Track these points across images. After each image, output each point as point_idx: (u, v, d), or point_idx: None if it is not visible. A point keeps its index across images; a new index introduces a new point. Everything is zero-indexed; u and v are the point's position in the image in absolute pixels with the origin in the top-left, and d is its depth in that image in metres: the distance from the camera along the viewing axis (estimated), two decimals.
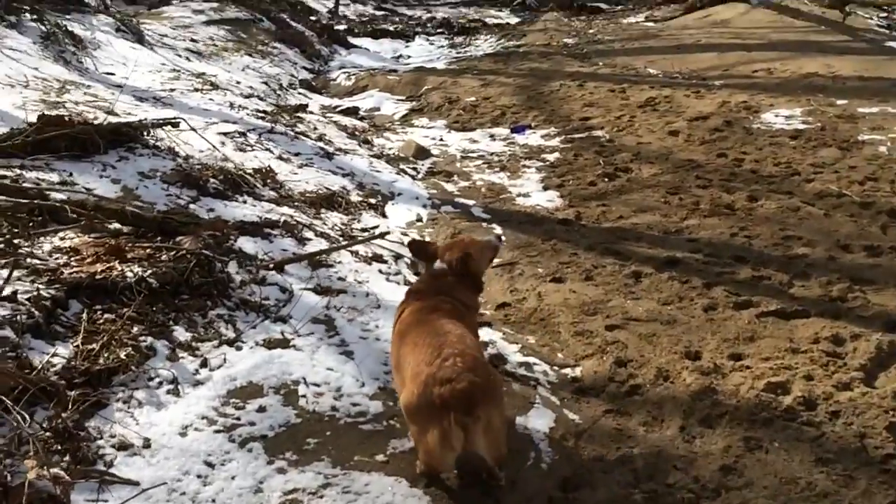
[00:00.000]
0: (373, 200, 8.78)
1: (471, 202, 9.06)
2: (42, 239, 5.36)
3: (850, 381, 4.91)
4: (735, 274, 6.62)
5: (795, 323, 5.74)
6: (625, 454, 4.37)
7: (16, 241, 5.14)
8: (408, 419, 3.86)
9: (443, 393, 3.56)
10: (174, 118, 7.85)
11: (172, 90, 12.07)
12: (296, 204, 7.58)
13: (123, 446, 3.82)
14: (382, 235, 6.97)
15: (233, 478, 3.77)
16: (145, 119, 7.54)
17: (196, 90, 12.54)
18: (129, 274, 4.94)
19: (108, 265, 4.97)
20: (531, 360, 5.43)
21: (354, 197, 8.70)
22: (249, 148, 9.10)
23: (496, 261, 7.06)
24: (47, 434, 3.71)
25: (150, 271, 5.02)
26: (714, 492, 4.05)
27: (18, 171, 6.14)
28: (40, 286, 4.59)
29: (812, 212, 7.93)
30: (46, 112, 7.44)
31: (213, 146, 7.82)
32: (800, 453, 4.31)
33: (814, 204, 8.13)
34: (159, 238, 5.57)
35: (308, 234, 6.88)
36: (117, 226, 5.72)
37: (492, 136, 12.19)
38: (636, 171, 9.78)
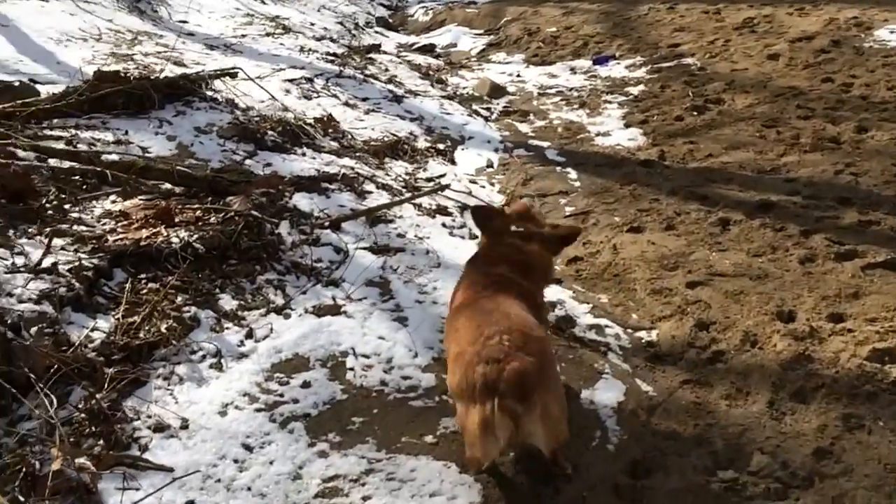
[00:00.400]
0: (441, 146, 8.36)
1: (545, 144, 8.51)
2: (94, 203, 5.23)
3: None
4: (839, 219, 5.90)
5: None
6: (703, 433, 3.92)
7: (65, 207, 5.02)
8: (454, 403, 3.52)
9: (488, 374, 3.14)
10: (232, 68, 7.60)
11: (244, 36, 11.89)
12: (358, 154, 7.25)
13: (160, 428, 3.65)
14: (443, 188, 6.56)
15: (271, 462, 3.55)
16: (202, 70, 7.31)
17: (268, 34, 12.33)
18: (175, 240, 4.74)
19: (153, 230, 4.79)
20: (602, 321, 4.98)
21: (422, 143, 8.30)
22: (315, 94, 8.81)
23: (569, 209, 6.60)
24: (82, 416, 3.57)
25: (196, 236, 4.81)
26: (805, 480, 3.56)
27: (74, 132, 6.03)
28: (83, 255, 4.45)
29: None
30: (105, 68, 7.30)
31: (272, 96, 7.54)
32: None
33: None
34: (209, 199, 5.36)
35: (369, 186, 6.55)
36: (169, 186, 5.54)
37: (572, 70, 11.50)
38: (729, 102, 8.97)
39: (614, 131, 8.73)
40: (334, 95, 8.93)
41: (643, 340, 4.80)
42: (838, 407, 3.95)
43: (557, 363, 4.09)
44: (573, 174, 7.57)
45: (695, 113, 8.74)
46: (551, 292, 5.33)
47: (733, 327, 4.70)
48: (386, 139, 7.93)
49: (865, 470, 3.57)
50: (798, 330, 4.57)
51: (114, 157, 5.53)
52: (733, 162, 7.31)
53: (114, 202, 5.26)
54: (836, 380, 4.13)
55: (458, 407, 3.40)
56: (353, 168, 6.77)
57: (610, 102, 9.73)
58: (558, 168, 7.76)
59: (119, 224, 4.89)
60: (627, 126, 8.79)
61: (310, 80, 9.26)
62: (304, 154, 6.80)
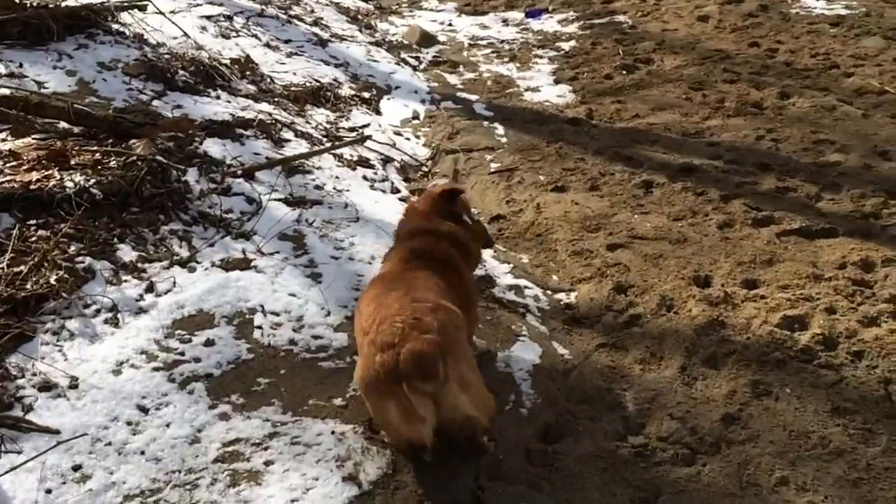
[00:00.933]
0: (366, 94, 8.07)
1: (474, 97, 8.32)
2: None
3: (877, 315, 4.34)
4: (757, 185, 5.96)
5: (820, 244, 5.12)
6: (616, 397, 3.90)
7: None
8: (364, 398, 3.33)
9: (386, 362, 2.97)
10: (142, 0, 7.07)
11: None
12: (277, 99, 6.91)
13: (46, 386, 3.40)
14: (364, 139, 6.33)
15: (168, 425, 3.35)
16: (108, 1, 6.79)
17: None
18: (70, 184, 4.40)
19: (45, 173, 4.43)
20: (522, 282, 4.91)
21: (346, 90, 7.99)
22: (234, 34, 8.34)
23: (494, 166, 6.47)
24: None
25: (93, 181, 4.48)
26: (713, 447, 3.58)
27: None
28: None
29: (849, 112, 7.14)
30: None
31: (185, 33, 7.08)
32: (814, 402, 3.80)
33: (852, 102, 7.33)
34: (110, 141, 4.99)
35: (287, 134, 6.26)
36: (67, 126, 5.14)
37: (504, 21, 11.25)
38: (658, 62, 8.93)
39: (544, 87, 8.60)
40: (254, 36, 8.48)
41: (562, 302, 4.75)
42: (748, 373, 3.98)
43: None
44: (500, 129, 7.42)
45: (624, 72, 8.67)
46: None
47: (651, 291, 4.69)
48: (308, 85, 7.59)
49: (771, 437, 3.61)
50: (713, 295, 4.58)
51: (4, 91, 5.08)
52: (659, 123, 7.29)
53: (3, 141, 4.84)
54: (746, 346, 4.16)
55: (372, 404, 3.21)
56: (270, 114, 6.44)
57: (541, 57, 9.57)
58: (486, 123, 7.60)
59: (7, 165, 4.50)
60: (557, 82, 8.67)
61: (229, 18, 8.76)
62: (218, 97, 6.42)
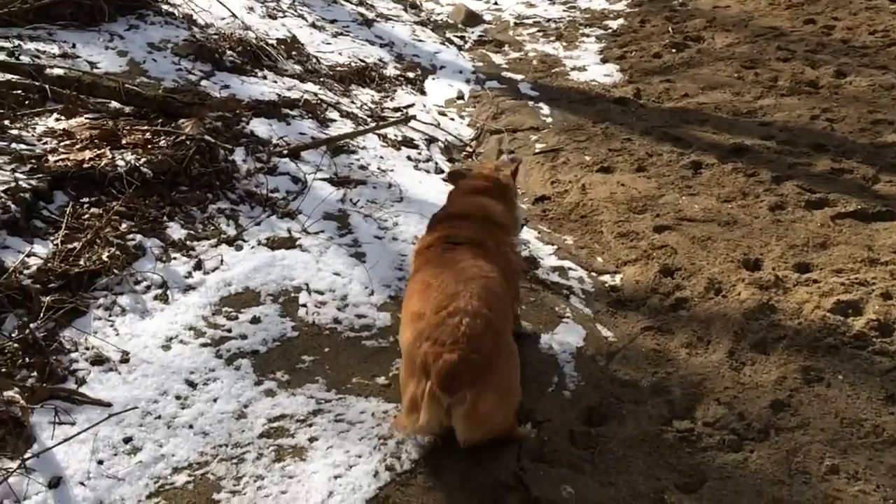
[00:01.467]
0: (411, 74, 8.04)
1: (519, 77, 8.24)
2: (35, 120, 4.92)
3: None
4: (811, 166, 5.79)
5: (877, 227, 4.97)
6: (661, 381, 3.85)
7: (4, 123, 4.71)
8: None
9: (429, 355, 2.96)
10: None
11: None
12: (322, 79, 6.93)
13: (99, 360, 3.48)
14: (408, 119, 6.31)
15: (215, 400, 3.41)
16: None
17: None
18: (121, 163, 4.47)
19: (98, 152, 4.52)
20: (567, 264, 4.86)
21: (391, 70, 7.98)
22: (280, 14, 8.37)
23: (539, 146, 6.41)
24: (14, 346, 3.37)
25: (144, 160, 4.55)
26: (761, 433, 3.50)
27: (16, 42, 5.63)
28: (20, 176, 4.18)
29: None
30: None
31: (233, 13, 7.13)
32: (868, 389, 3.70)
33: None
34: (160, 121, 5.06)
35: (332, 114, 6.28)
36: (118, 106, 5.23)
37: (551, 0, 11.10)
38: (709, 40, 8.74)
39: (590, 66, 8.48)
40: (300, 16, 8.51)
41: (607, 285, 4.70)
42: (798, 359, 3.89)
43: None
44: (545, 109, 7.35)
45: (673, 50, 8.51)
46: None
47: (698, 274, 4.61)
48: (353, 65, 7.60)
49: (822, 424, 3.52)
50: (763, 279, 4.48)
51: (58, 71, 5.18)
52: (709, 103, 7.13)
53: (57, 120, 4.94)
54: (798, 331, 4.06)
55: (403, 364, 3.22)
56: (316, 94, 6.47)
57: (588, 36, 9.45)
58: (531, 102, 7.53)
59: (61, 144, 4.60)
60: (604, 62, 8.55)
61: None
62: (264, 77, 6.47)
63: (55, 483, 2.91)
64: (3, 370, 3.28)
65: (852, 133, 6.25)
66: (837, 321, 4.09)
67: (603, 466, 3.33)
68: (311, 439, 3.28)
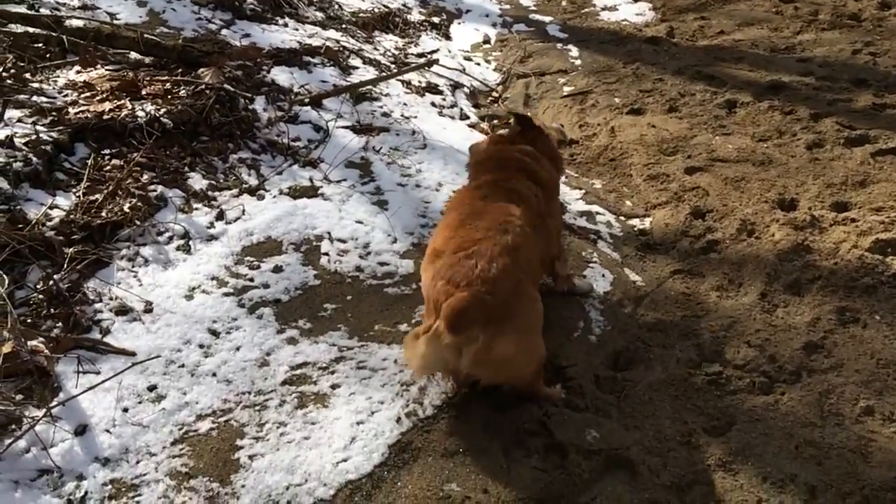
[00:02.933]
0: (436, 19, 7.87)
1: (547, 19, 8.02)
2: (56, 73, 4.90)
3: None
4: (852, 102, 5.56)
5: None
6: (690, 325, 3.76)
7: (24, 76, 4.70)
8: None
9: (441, 294, 2.91)
10: None
11: None
12: (345, 26, 6.81)
13: (123, 311, 3.49)
14: (431, 64, 6.17)
15: (238, 348, 3.41)
16: None
17: None
18: (141, 113, 4.45)
19: (118, 103, 4.49)
20: (594, 208, 4.75)
21: (415, 15, 7.81)
22: None
23: (567, 89, 6.25)
24: (39, 297, 3.40)
25: (164, 110, 4.52)
26: (793, 375, 3.41)
27: None
28: (41, 128, 4.17)
29: None
30: None
31: None
32: None
33: None
34: (180, 71, 5.01)
35: (355, 61, 6.18)
36: (138, 57, 5.19)
37: None
38: None
39: (622, 5, 8.22)
40: None
41: (635, 228, 4.59)
42: (833, 300, 3.76)
43: None
44: (574, 51, 7.15)
45: None
46: None
47: (731, 215, 4.47)
48: (376, 11, 7.46)
49: (856, 365, 3.41)
50: (798, 219, 4.33)
51: (77, 22, 5.14)
52: (746, 40, 6.87)
53: (78, 73, 4.92)
54: (833, 272, 3.92)
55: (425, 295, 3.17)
56: (338, 41, 6.36)
57: None
58: (559, 45, 7.33)
59: (82, 96, 4.58)
60: (636, 0, 8.25)
61: None
62: (285, 25, 6.37)
63: (81, 430, 2.94)
64: (29, 321, 3.31)
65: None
66: (876, 260, 3.94)
67: (629, 410, 3.28)
68: (334, 386, 3.27)
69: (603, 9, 8.16)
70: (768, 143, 5.18)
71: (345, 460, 2.94)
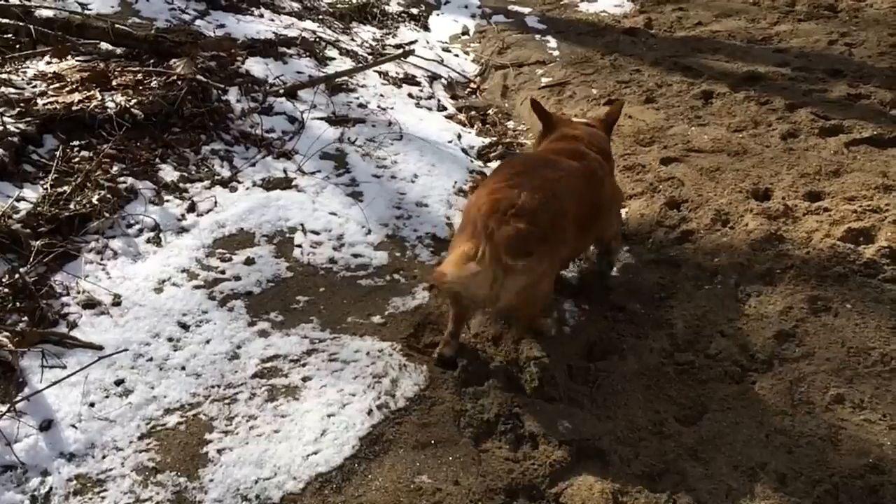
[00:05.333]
0: (415, 10, 7.83)
1: (526, 10, 7.99)
2: (26, 64, 4.82)
3: None
4: (827, 92, 5.58)
5: (893, 152, 4.79)
6: (664, 315, 3.76)
7: None
8: None
9: (489, 219, 3.07)
10: None
11: None
12: (321, 17, 6.76)
13: (90, 304, 3.44)
14: (406, 54, 6.13)
15: (208, 342, 3.37)
16: None
17: None
18: (111, 104, 4.39)
19: (87, 94, 4.42)
20: None
21: (394, 6, 7.76)
22: None
23: (545, 80, 6.24)
24: (5, 290, 3.34)
25: (134, 101, 4.46)
26: (764, 364, 3.42)
27: None
28: (9, 119, 4.10)
29: None
30: None
31: None
32: (876, 317, 3.59)
33: None
34: (151, 61, 4.95)
35: (331, 52, 6.13)
36: (109, 47, 5.11)
37: None
38: None
39: None
40: None
41: None
42: (805, 289, 3.77)
43: None
44: (553, 42, 7.12)
45: None
46: None
47: (705, 206, 4.47)
48: (354, 1, 7.41)
49: (827, 354, 3.42)
50: (772, 209, 4.34)
51: (47, 13, 5.06)
52: (723, 31, 6.88)
53: (48, 63, 4.85)
54: (805, 261, 3.93)
55: (462, 226, 3.32)
56: (314, 32, 6.31)
57: None
58: (538, 36, 7.30)
59: (51, 87, 4.52)
60: None
61: None
62: (261, 15, 6.31)
63: (46, 426, 2.90)
64: None
65: (871, 57, 6.00)
66: (847, 249, 3.96)
67: (601, 401, 3.28)
68: (305, 379, 3.25)
69: (582, 0, 8.14)
70: (743, 134, 5.18)
71: (315, 453, 2.91)
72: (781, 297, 3.77)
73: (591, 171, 3.58)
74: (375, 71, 6.00)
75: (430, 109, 5.75)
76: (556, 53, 6.87)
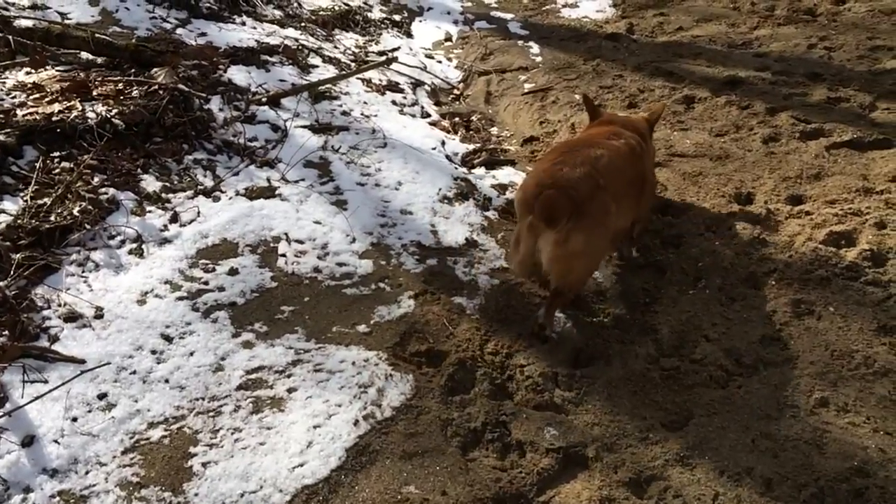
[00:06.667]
0: (397, 17, 7.83)
1: (509, 16, 8.01)
2: (6, 74, 4.77)
3: None
4: (807, 95, 5.62)
5: (873, 155, 4.84)
6: (649, 320, 3.77)
7: None
8: None
9: (531, 194, 3.39)
10: None
11: None
12: (304, 24, 6.73)
13: (72, 317, 3.40)
14: (389, 62, 6.12)
15: (192, 354, 3.34)
16: None
17: None
18: (91, 114, 4.35)
19: (68, 104, 4.39)
20: None
21: (376, 13, 7.75)
22: None
23: (528, 86, 6.25)
24: None
25: (115, 111, 4.42)
26: (749, 368, 3.44)
27: None
28: None
29: None
30: None
31: None
32: (859, 320, 3.62)
33: None
34: (132, 71, 4.92)
35: (314, 60, 6.11)
36: (90, 57, 5.08)
37: None
38: None
39: (582, 2, 8.23)
40: None
41: None
42: (789, 292, 3.80)
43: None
44: (535, 48, 7.14)
45: None
46: (502, 174, 5.08)
47: (689, 210, 4.49)
48: (337, 8, 7.38)
49: (811, 357, 3.44)
50: (755, 213, 4.37)
51: (26, 23, 5.02)
52: (704, 35, 6.92)
53: (28, 73, 4.80)
54: (788, 264, 3.96)
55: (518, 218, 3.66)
56: (297, 40, 6.29)
57: None
58: (520, 42, 7.32)
59: (30, 97, 4.47)
60: None
61: None
62: (243, 23, 6.28)
63: (28, 442, 2.86)
64: None
65: (850, 61, 6.06)
66: (829, 252, 3.99)
67: (588, 407, 3.28)
68: (290, 390, 3.23)
69: (564, 6, 8.17)
70: (725, 138, 5.22)
71: (301, 465, 2.89)
72: (765, 301, 3.79)
73: (630, 147, 3.83)
74: (359, 78, 5.99)
75: (413, 116, 5.75)
76: (538, 59, 6.89)
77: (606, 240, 3.62)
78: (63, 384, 3.06)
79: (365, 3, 7.84)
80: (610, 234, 3.61)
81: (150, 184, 4.22)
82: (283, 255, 3.96)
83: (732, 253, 4.09)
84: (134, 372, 3.23)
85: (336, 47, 6.60)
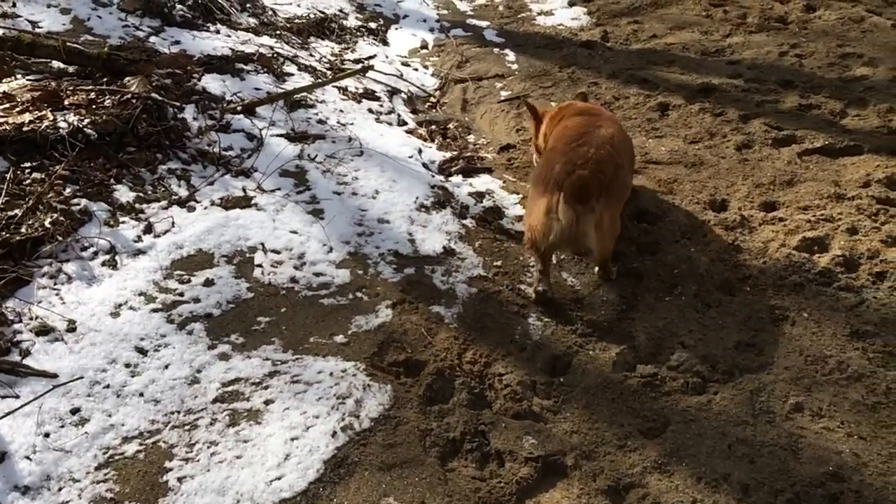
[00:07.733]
0: (373, 25, 7.82)
1: (484, 24, 8.03)
2: None
3: None
4: (779, 103, 5.70)
5: (844, 162, 4.91)
6: (626, 327, 3.79)
7: None
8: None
9: (560, 174, 3.67)
10: None
11: None
12: (279, 32, 6.70)
13: (44, 330, 3.35)
14: (365, 70, 6.11)
15: (167, 366, 3.31)
16: None
17: None
18: (63, 124, 4.29)
19: (38, 114, 4.33)
20: None
21: (352, 21, 7.74)
22: None
23: (504, 94, 6.26)
24: None
25: (87, 120, 4.36)
26: (725, 374, 3.47)
27: None
28: None
29: (878, 23, 6.80)
30: None
31: None
32: (832, 325, 3.66)
33: (881, 13, 7.01)
34: (105, 80, 4.86)
35: (290, 68, 6.08)
36: (61, 66, 5.01)
37: None
38: None
39: (558, 10, 8.26)
40: None
41: None
42: (763, 298, 3.84)
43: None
44: (511, 56, 7.17)
45: None
46: (479, 182, 5.09)
47: (664, 217, 4.52)
48: (312, 16, 7.36)
49: (786, 363, 3.48)
50: (729, 219, 4.41)
51: None
52: (677, 43, 6.99)
53: None
54: (763, 271, 4.01)
55: (531, 193, 3.96)
56: (272, 48, 6.25)
57: None
58: (496, 49, 7.34)
59: (0, 108, 4.40)
60: (571, 4, 8.32)
61: None
62: (217, 31, 6.24)
63: None
64: None
65: (821, 68, 6.14)
66: (803, 258, 4.04)
67: (567, 415, 3.29)
68: (267, 402, 3.20)
69: (539, 13, 8.21)
70: (699, 145, 5.27)
71: (278, 478, 2.87)
72: (740, 307, 3.83)
73: (619, 123, 4.39)
74: (335, 86, 5.97)
75: (390, 124, 5.74)
76: (514, 67, 6.92)
77: (620, 209, 4.03)
78: (35, 399, 3.01)
79: (340, 12, 7.82)
80: (622, 208, 4.05)
81: (124, 194, 4.18)
82: (260, 266, 3.93)
83: (708, 259, 4.13)
84: (108, 386, 3.18)
85: (311, 55, 6.58)
